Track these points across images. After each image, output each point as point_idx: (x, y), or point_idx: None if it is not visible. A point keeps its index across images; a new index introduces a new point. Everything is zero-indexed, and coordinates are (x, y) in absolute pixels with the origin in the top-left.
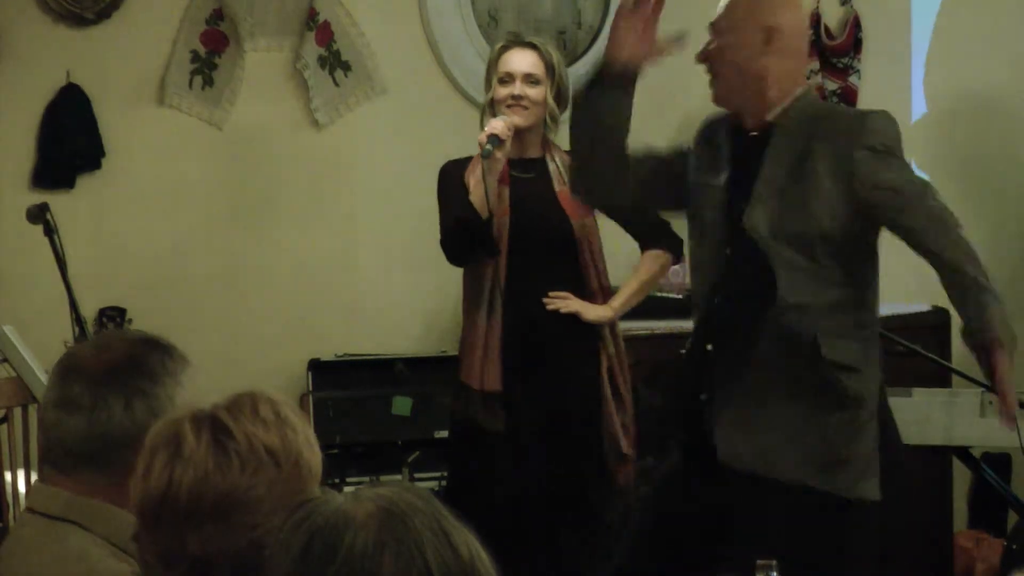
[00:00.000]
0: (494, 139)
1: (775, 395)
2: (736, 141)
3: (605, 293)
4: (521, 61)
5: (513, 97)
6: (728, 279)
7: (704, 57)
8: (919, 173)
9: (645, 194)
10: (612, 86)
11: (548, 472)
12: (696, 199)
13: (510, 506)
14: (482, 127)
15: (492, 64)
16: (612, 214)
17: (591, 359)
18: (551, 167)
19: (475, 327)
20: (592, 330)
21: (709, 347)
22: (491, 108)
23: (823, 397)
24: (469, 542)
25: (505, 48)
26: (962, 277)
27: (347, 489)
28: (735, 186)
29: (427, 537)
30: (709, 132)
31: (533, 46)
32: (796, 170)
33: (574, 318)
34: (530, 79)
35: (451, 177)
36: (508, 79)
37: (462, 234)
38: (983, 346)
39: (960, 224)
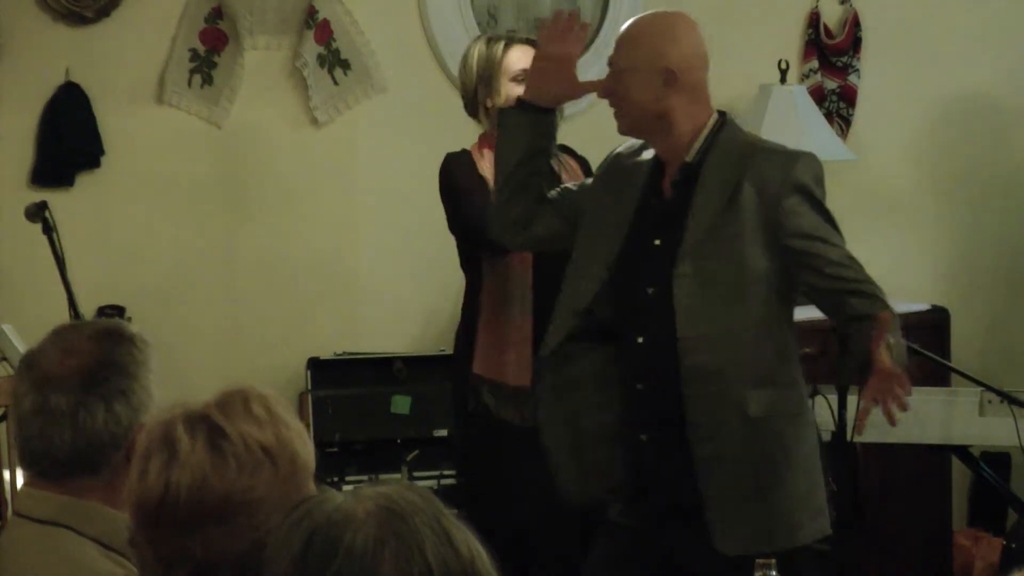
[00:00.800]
0: None
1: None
2: (654, 180)
3: None
4: (529, 57)
5: None
6: (650, 319)
7: (606, 93)
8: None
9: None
10: (532, 112)
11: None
12: (595, 230)
13: (537, 502)
14: (488, 123)
15: (497, 64)
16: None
17: None
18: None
19: (509, 323)
20: None
21: (639, 387)
22: (490, 112)
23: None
24: (469, 541)
25: (508, 46)
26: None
27: (346, 488)
28: (661, 224)
29: (427, 535)
30: (618, 164)
31: (532, 42)
32: (726, 210)
33: None
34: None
35: (464, 166)
36: (524, 76)
37: None
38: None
39: (871, 281)
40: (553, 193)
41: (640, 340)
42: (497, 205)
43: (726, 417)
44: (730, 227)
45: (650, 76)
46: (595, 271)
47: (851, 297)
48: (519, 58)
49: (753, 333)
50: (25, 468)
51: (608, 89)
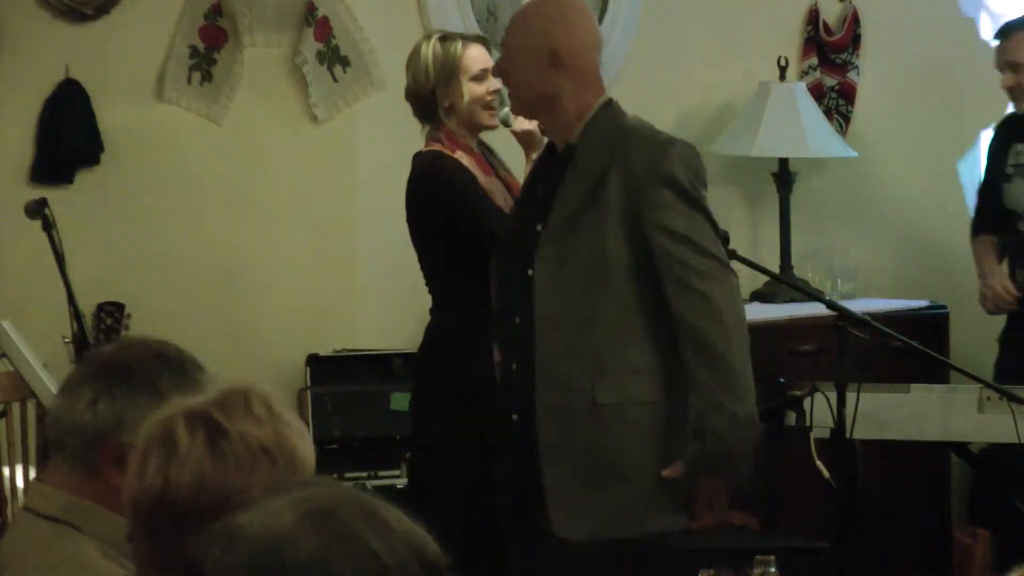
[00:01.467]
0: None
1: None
2: (547, 158)
3: None
4: (486, 57)
5: (493, 92)
6: (526, 299)
7: (497, 72)
8: None
9: None
10: None
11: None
12: (510, 216)
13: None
14: (449, 122)
15: (456, 63)
16: None
17: None
18: (492, 157)
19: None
20: None
21: (514, 366)
22: (451, 111)
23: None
24: (401, 519)
25: (465, 45)
26: (707, 361)
27: (345, 485)
28: (539, 207)
29: (361, 525)
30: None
31: (484, 40)
32: (591, 195)
33: None
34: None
35: (460, 171)
36: (483, 75)
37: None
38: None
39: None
40: None
41: (517, 320)
42: None
43: (571, 400)
44: (592, 212)
45: (537, 57)
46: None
47: (700, 367)
48: (477, 57)
49: (611, 318)
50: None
51: (498, 68)
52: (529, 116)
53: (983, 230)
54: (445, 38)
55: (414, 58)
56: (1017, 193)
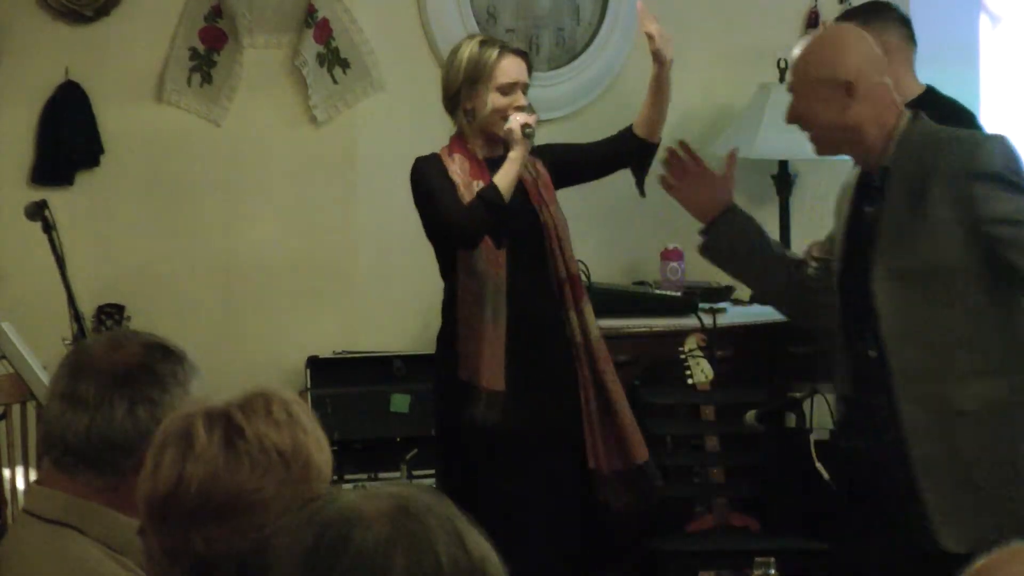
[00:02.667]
0: (532, 130)
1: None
2: (865, 184)
3: (573, 281)
4: (520, 70)
5: (517, 107)
6: (872, 324)
7: (792, 118)
8: None
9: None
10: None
11: (548, 471)
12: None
13: (510, 505)
14: (468, 127)
15: (487, 71)
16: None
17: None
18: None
19: (481, 325)
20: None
21: (867, 394)
22: (470, 115)
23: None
24: (480, 543)
25: (502, 55)
26: None
27: (346, 486)
28: (867, 232)
29: (440, 536)
30: (842, 190)
31: (524, 54)
32: (916, 210)
33: (560, 316)
34: (524, 88)
35: (435, 168)
36: (511, 89)
37: (488, 215)
38: None
39: None
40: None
41: (871, 353)
42: None
43: (936, 413)
44: (921, 225)
45: (831, 94)
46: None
47: None
48: (509, 69)
49: (960, 325)
50: (41, 454)
51: (793, 115)
52: (835, 152)
53: None
54: (486, 42)
55: (451, 54)
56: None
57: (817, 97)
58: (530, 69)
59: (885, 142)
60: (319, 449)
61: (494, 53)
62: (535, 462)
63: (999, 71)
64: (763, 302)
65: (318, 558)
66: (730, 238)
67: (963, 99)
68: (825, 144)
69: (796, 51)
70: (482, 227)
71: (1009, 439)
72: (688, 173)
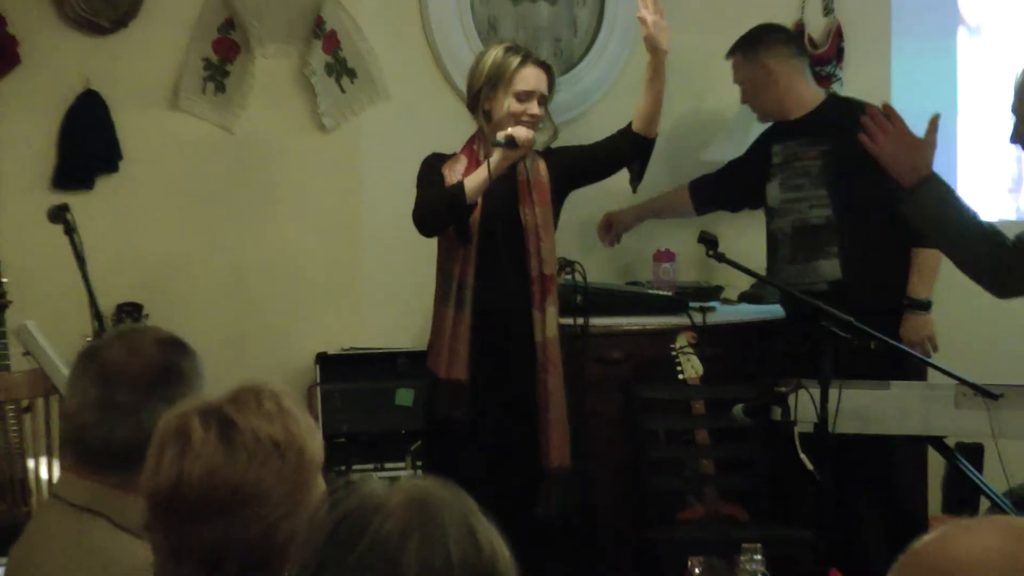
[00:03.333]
0: (511, 140)
1: None
2: None
3: (544, 281)
4: (539, 81)
5: (530, 115)
6: None
7: (1018, 139)
8: None
9: None
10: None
11: (508, 465)
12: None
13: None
14: (485, 127)
15: (507, 76)
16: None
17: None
18: (519, 165)
19: (444, 318)
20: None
21: None
22: (488, 117)
23: None
24: (493, 540)
25: (523, 63)
26: None
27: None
28: None
29: (453, 531)
30: None
31: (546, 66)
32: None
33: (530, 314)
34: (542, 99)
35: (432, 166)
36: (527, 97)
37: (446, 210)
38: None
39: None
40: None
41: None
42: None
43: None
44: None
45: None
46: None
47: None
48: (528, 78)
49: None
50: (73, 454)
51: (1019, 135)
52: None
53: (698, 188)
54: (511, 49)
55: (478, 57)
56: (772, 191)
57: None
58: (551, 83)
59: None
60: (311, 437)
61: (516, 60)
62: (496, 457)
63: (976, 81)
64: (963, 270)
65: (336, 542)
66: (935, 202)
67: (941, 107)
68: None
69: (1019, 73)
70: (439, 220)
71: None
72: (888, 133)
